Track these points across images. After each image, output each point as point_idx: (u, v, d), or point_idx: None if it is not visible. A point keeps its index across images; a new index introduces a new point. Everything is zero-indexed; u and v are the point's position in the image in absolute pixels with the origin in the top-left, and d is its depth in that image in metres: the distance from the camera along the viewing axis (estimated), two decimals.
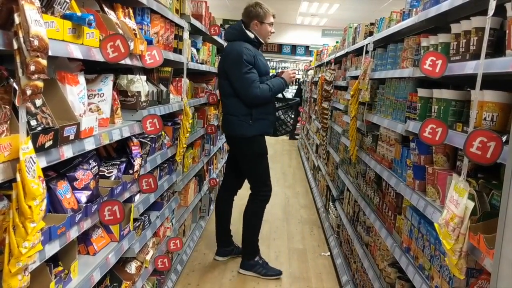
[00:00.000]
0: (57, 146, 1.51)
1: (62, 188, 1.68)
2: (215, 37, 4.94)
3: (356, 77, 4.47)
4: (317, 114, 7.09)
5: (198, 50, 4.23)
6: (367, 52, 3.73)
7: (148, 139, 2.68)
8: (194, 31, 4.21)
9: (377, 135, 3.37)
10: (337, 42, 6.46)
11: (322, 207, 5.85)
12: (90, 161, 1.93)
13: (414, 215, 2.28)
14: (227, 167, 4.33)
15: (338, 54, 5.77)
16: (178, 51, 3.32)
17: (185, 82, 3.44)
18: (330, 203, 5.19)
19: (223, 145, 6.63)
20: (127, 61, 2.15)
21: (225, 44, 5.87)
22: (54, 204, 1.64)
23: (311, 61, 11.60)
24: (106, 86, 2.10)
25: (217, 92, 5.32)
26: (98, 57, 1.84)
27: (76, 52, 1.65)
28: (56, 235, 1.53)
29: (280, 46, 15.54)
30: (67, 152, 1.58)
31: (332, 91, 5.75)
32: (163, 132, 3.08)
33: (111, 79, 2.12)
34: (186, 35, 3.41)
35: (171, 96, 3.25)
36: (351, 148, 3.81)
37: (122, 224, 2.24)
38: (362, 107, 3.80)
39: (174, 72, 3.39)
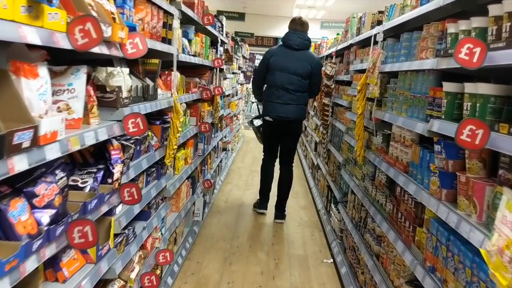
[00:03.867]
0: (2, 157, 1.17)
1: (16, 208, 1.34)
2: (209, 28, 4.59)
3: (361, 71, 4.15)
4: (317, 110, 6.77)
5: (190, 41, 3.88)
6: (375, 42, 3.40)
7: (132, 141, 2.34)
8: (186, 21, 3.87)
9: (389, 135, 3.05)
10: (338, 34, 6.13)
11: (323, 208, 5.53)
12: (57, 172, 1.59)
13: (441, 230, 1.95)
14: (274, 145, 5.30)
15: (339, 47, 5.44)
16: (167, 41, 2.97)
17: (175, 75, 3.09)
18: (332, 205, 4.88)
19: (218, 143, 6.29)
20: (104, 50, 1.81)
21: (220, 36, 5.53)
22: (4, 230, 1.30)
23: None
24: (78, 80, 1.76)
25: (211, 87, 4.99)
26: (63, 43, 1.49)
27: (31, 36, 1.30)
28: (4, 272, 1.19)
29: (276, 40, 15.15)
30: (19, 164, 1.24)
31: (333, 86, 5.42)
32: (149, 133, 2.73)
33: (84, 72, 1.78)
34: (176, 23, 3.06)
35: (159, 91, 2.91)
36: (357, 148, 3.48)
37: (100, 242, 1.90)
38: (370, 103, 3.48)
39: (163, 65, 3.05)
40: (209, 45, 4.92)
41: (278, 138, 5.20)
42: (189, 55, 3.71)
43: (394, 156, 2.78)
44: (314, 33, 12.66)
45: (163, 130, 3.00)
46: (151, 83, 2.69)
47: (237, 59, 8.57)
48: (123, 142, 2.23)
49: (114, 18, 1.93)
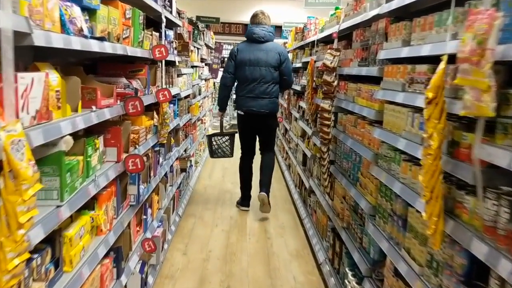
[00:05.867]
0: None
1: None
2: None
3: (402, 60, 2.39)
4: (308, 115, 5.00)
5: (91, 11, 2.04)
6: (462, 3, 1.65)
7: None
8: None
9: None
10: (336, 8, 4.35)
11: (327, 262, 3.77)
12: None
13: None
14: (249, 141, 5.31)
15: (344, 25, 3.67)
16: None
17: (10, 82, 1.25)
18: (347, 270, 3.12)
19: (172, 166, 4.45)
20: None
21: (165, 13, 3.67)
22: None
23: (285, 43, 9.44)
24: None
25: (152, 90, 3.17)
26: None
27: None
28: None
29: (245, 26, 13.27)
30: None
31: (336, 83, 3.66)
32: None
33: None
34: None
35: None
36: (429, 219, 1.71)
37: None
38: (454, 125, 1.74)
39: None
40: (144, 24, 3.07)
41: (253, 133, 5.29)
42: (82, 35, 1.85)
43: None
44: (297, 16, 10.80)
45: None
46: None
47: (198, 48, 6.70)
48: None
49: None
